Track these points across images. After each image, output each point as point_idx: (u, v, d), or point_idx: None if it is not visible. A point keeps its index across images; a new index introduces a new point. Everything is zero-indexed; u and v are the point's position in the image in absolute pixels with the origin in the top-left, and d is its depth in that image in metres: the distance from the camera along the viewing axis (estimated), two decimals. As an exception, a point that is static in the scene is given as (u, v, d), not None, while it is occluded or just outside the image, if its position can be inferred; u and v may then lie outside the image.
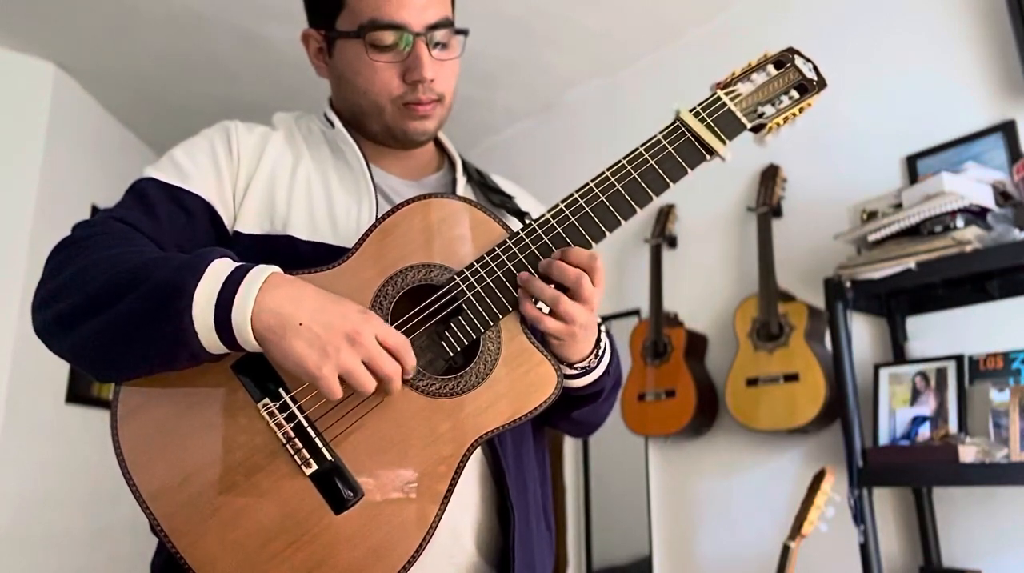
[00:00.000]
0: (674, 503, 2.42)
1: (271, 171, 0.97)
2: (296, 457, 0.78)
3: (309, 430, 0.79)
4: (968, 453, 1.57)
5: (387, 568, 0.78)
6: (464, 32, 0.99)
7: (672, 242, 2.55)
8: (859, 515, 1.71)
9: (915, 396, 1.79)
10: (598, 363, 0.95)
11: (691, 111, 0.91)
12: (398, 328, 0.83)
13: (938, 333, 1.90)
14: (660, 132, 0.90)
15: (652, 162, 0.89)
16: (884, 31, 2.14)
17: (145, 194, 0.91)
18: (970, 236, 1.62)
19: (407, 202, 0.88)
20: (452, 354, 0.85)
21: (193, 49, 2.78)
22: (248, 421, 0.79)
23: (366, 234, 0.87)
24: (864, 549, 1.70)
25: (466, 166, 1.10)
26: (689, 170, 0.89)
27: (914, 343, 1.94)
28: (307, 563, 0.77)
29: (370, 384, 0.76)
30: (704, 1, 2.49)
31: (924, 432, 1.74)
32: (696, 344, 2.35)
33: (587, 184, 0.88)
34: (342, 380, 0.75)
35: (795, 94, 0.94)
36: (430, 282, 0.85)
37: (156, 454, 0.78)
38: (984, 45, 1.93)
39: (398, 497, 0.80)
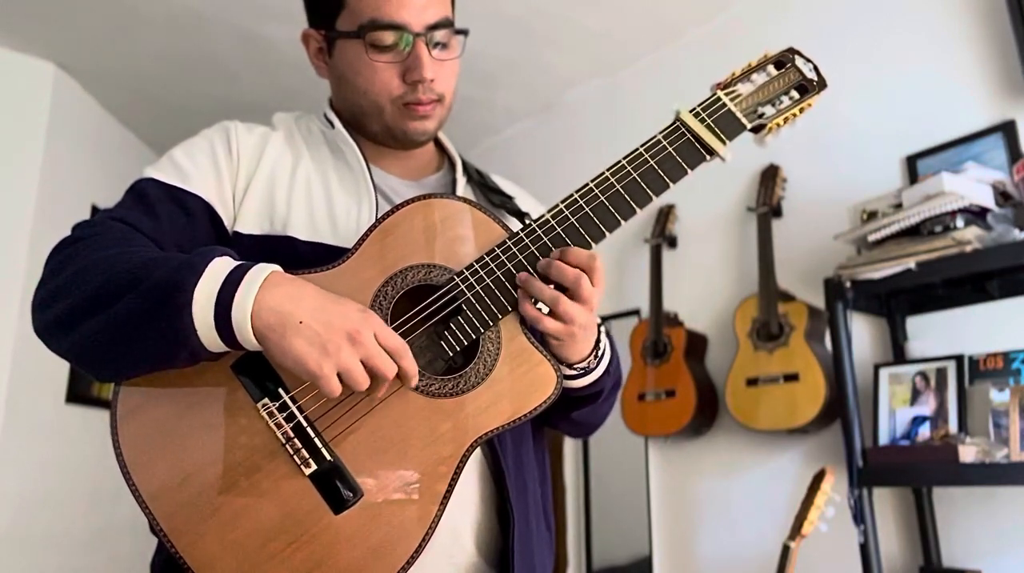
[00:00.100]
0: (674, 503, 2.42)
1: (271, 171, 0.97)
2: (295, 457, 0.78)
3: (308, 430, 0.79)
4: (968, 453, 1.57)
5: (387, 568, 0.78)
6: (464, 32, 0.99)
7: (672, 242, 2.55)
8: (859, 515, 1.71)
9: (915, 396, 1.79)
10: (598, 364, 0.95)
11: (691, 111, 0.91)
12: (398, 328, 0.83)
13: (938, 333, 1.90)
14: (660, 132, 0.90)
15: (652, 162, 0.89)
16: (884, 31, 2.14)
17: (145, 194, 0.91)
18: (970, 236, 1.62)
19: (407, 202, 0.88)
20: (452, 354, 0.85)
21: (193, 49, 2.78)
22: (248, 421, 0.79)
23: (366, 234, 0.87)
24: (864, 549, 1.70)
25: (466, 166, 1.10)
26: (689, 170, 0.89)
27: (914, 343, 1.94)
28: (307, 563, 0.77)
29: (366, 383, 0.76)
30: (704, 1, 2.49)
31: (924, 432, 1.74)
32: (696, 344, 2.35)
33: (587, 184, 0.88)
34: (342, 380, 0.75)
35: (795, 94, 0.94)
36: (430, 282, 0.85)
37: (156, 454, 0.78)
38: (984, 45, 1.93)
39: (398, 497, 0.80)
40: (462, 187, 1.06)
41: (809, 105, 0.94)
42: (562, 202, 0.88)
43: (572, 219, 0.87)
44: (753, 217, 2.26)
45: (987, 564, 1.72)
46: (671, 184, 0.89)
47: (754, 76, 0.94)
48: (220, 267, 0.76)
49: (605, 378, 0.97)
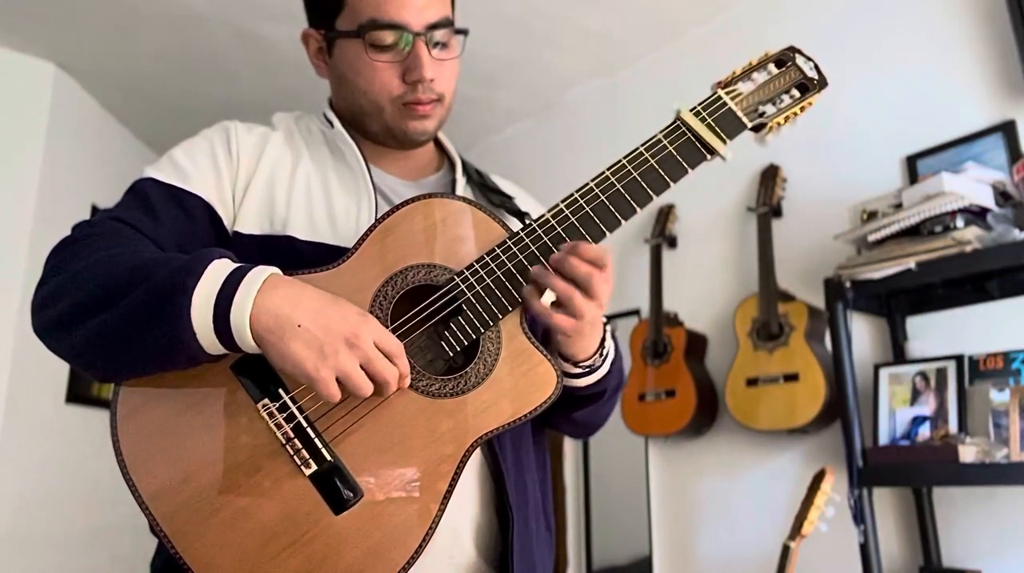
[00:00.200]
0: (674, 503, 2.42)
1: (270, 171, 0.97)
2: (296, 457, 0.78)
3: (309, 430, 0.79)
4: (968, 453, 1.57)
5: (387, 568, 0.78)
6: (464, 32, 0.99)
7: (672, 242, 2.55)
8: (859, 515, 1.70)
9: (915, 396, 1.79)
10: (603, 362, 0.95)
11: (692, 110, 0.91)
12: (399, 328, 0.83)
13: (938, 333, 1.90)
14: (661, 131, 0.90)
15: (652, 162, 0.89)
16: (884, 31, 2.14)
17: (145, 194, 0.91)
18: (970, 236, 1.61)
19: (408, 202, 0.88)
20: (452, 354, 0.85)
21: (193, 49, 2.77)
22: (248, 421, 0.79)
23: (366, 234, 0.86)
24: (864, 549, 1.70)
25: (466, 166, 1.10)
26: (690, 169, 0.89)
27: (914, 343, 1.94)
28: (307, 563, 0.77)
29: (367, 387, 0.76)
30: (704, 1, 2.49)
31: (924, 432, 1.73)
32: (696, 344, 2.35)
33: (587, 184, 0.88)
34: (340, 382, 0.75)
35: (796, 93, 0.94)
36: (430, 282, 0.85)
37: (156, 454, 0.78)
38: (984, 45, 1.93)
39: (398, 497, 0.80)
40: (462, 187, 1.06)
41: (810, 104, 0.94)
42: (562, 202, 0.88)
43: (572, 219, 0.87)
44: (753, 217, 2.26)
45: (987, 564, 1.72)
46: (672, 183, 0.89)
47: (755, 75, 0.94)
48: (219, 269, 0.76)
49: (609, 378, 0.97)
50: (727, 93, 0.92)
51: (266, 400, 0.79)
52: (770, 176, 2.26)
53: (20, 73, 2.81)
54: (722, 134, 0.89)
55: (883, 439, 1.80)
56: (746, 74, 0.94)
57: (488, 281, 0.85)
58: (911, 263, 1.68)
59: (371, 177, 0.98)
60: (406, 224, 0.87)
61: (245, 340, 0.75)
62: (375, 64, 0.95)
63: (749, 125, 0.92)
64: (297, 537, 0.77)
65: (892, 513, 1.89)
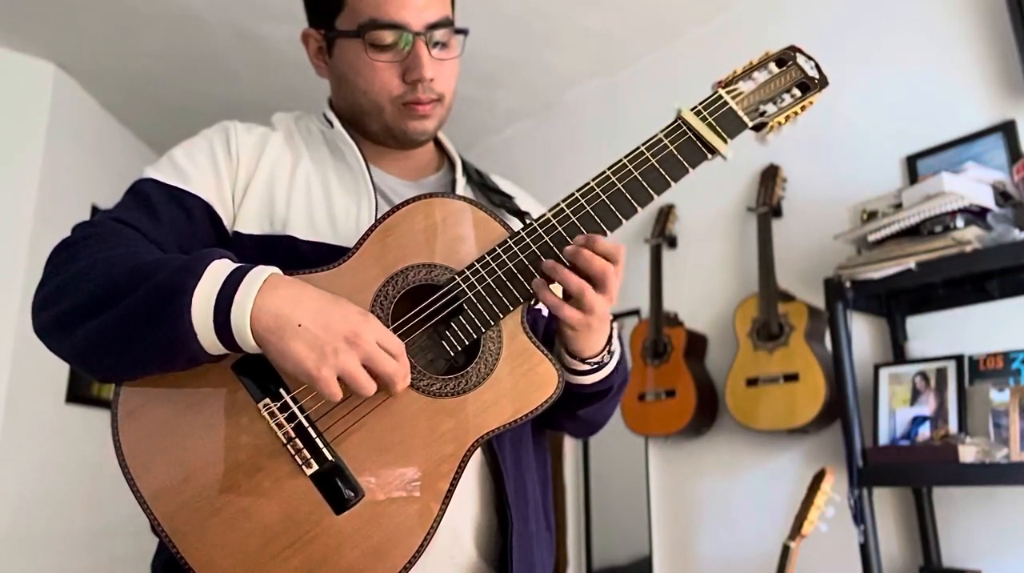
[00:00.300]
0: (674, 503, 2.42)
1: (270, 171, 0.97)
2: (297, 457, 0.78)
3: (310, 430, 0.79)
4: (968, 453, 1.57)
5: (388, 568, 0.78)
6: (464, 32, 0.99)
7: (672, 242, 2.55)
8: (859, 515, 1.70)
9: (915, 396, 1.79)
10: (611, 359, 0.95)
11: (692, 110, 0.91)
12: (399, 327, 0.83)
13: (938, 333, 1.90)
14: (661, 131, 0.90)
15: (653, 161, 0.89)
16: (884, 31, 2.14)
17: (145, 195, 0.91)
18: (970, 236, 1.61)
19: (408, 201, 0.88)
20: (453, 354, 0.85)
21: (193, 49, 2.77)
22: (249, 421, 0.79)
23: (367, 234, 0.86)
24: (864, 549, 1.70)
25: (466, 166, 1.10)
26: (690, 169, 0.89)
27: (914, 343, 1.94)
28: (308, 563, 0.77)
29: (370, 386, 0.76)
30: (704, 1, 2.49)
31: (924, 432, 1.73)
32: (696, 344, 2.35)
33: (588, 183, 0.88)
34: (342, 382, 0.75)
35: (797, 92, 0.94)
36: (431, 282, 0.85)
37: (157, 454, 0.78)
38: (984, 45, 1.93)
39: (399, 497, 0.80)
40: (462, 187, 1.06)
41: (811, 103, 0.94)
42: (563, 201, 0.88)
43: (573, 218, 0.87)
44: (753, 217, 2.26)
45: (987, 564, 1.72)
46: (673, 183, 0.89)
47: (755, 74, 0.94)
48: (219, 269, 0.76)
49: (615, 375, 0.97)
50: (728, 92, 0.92)
51: (267, 400, 0.79)
52: (770, 176, 2.26)
53: (20, 73, 2.81)
54: (723, 133, 0.89)
55: (883, 439, 1.80)
56: (747, 73, 0.94)
57: (489, 281, 0.85)
58: (911, 263, 1.68)
59: (371, 177, 0.98)
60: (406, 224, 0.87)
61: (246, 340, 0.75)
62: (375, 64, 0.94)
63: (750, 124, 0.92)
64: (298, 537, 0.77)
65: (892, 513, 1.89)
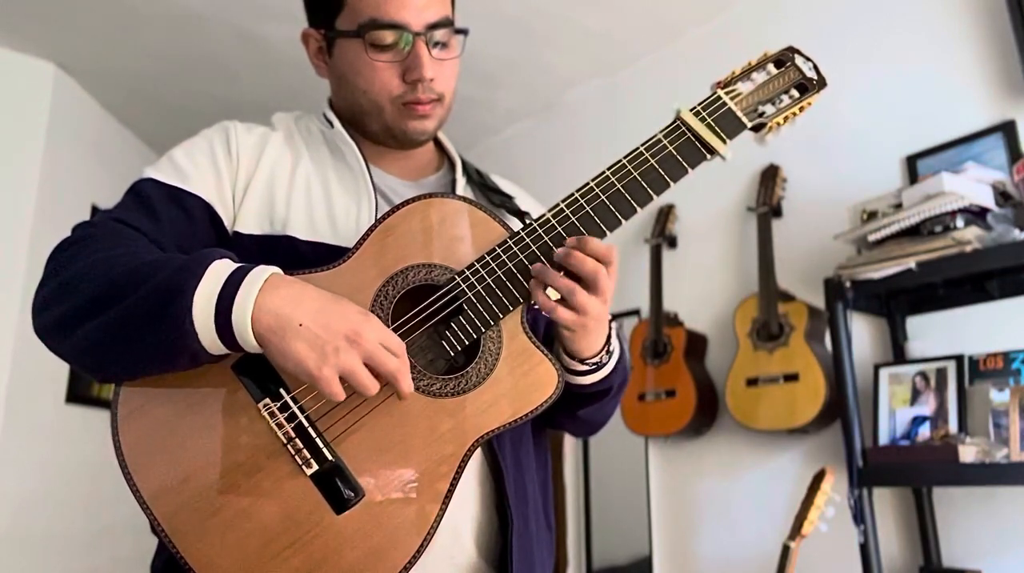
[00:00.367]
0: (674, 503, 2.42)
1: (270, 171, 0.97)
2: (297, 457, 0.78)
3: (310, 430, 0.79)
4: (968, 453, 1.57)
5: (388, 568, 0.78)
6: (464, 32, 0.99)
7: (672, 242, 2.55)
8: (859, 515, 1.71)
9: (915, 396, 1.79)
10: (609, 359, 0.95)
11: (691, 110, 0.91)
12: (400, 327, 0.83)
13: (938, 333, 1.90)
14: (661, 131, 0.90)
15: (652, 161, 0.89)
16: (884, 31, 2.14)
17: (145, 195, 0.91)
18: (970, 236, 1.62)
19: (408, 202, 0.88)
20: (453, 354, 0.85)
21: (193, 49, 2.78)
22: (249, 421, 0.79)
23: (367, 234, 0.86)
24: (864, 549, 1.70)
25: (466, 166, 1.10)
26: (690, 169, 0.89)
27: (914, 343, 1.94)
28: (308, 563, 0.77)
29: (372, 384, 0.76)
30: (704, 1, 2.49)
31: (924, 432, 1.73)
32: (696, 344, 2.35)
33: (588, 183, 0.88)
34: (344, 381, 0.75)
35: (795, 93, 0.94)
36: (431, 282, 0.85)
37: (157, 455, 0.78)
38: (984, 45, 1.93)
39: (399, 497, 0.80)
40: (462, 187, 1.06)
41: (809, 104, 0.94)
42: (563, 201, 0.88)
43: (573, 218, 0.87)
44: (753, 217, 2.26)
45: (987, 564, 1.72)
46: (672, 183, 0.89)
47: (754, 75, 0.94)
48: (220, 269, 0.76)
49: (614, 375, 0.97)
50: (727, 93, 0.92)
51: (267, 400, 0.79)
52: (770, 176, 2.26)
53: (20, 73, 2.81)
54: (722, 134, 0.90)
55: (883, 439, 1.80)
56: (745, 74, 0.94)
57: (489, 281, 0.85)
58: (911, 263, 1.68)
59: (371, 177, 0.98)
60: (406, 224, 0.87)
61: (247, 340, 0.75)
62: (375, 64, 0.95)
63: (749, 125, 0.92)
64: (298, 537, 0.77)
65: (892, 513, 1.89)
